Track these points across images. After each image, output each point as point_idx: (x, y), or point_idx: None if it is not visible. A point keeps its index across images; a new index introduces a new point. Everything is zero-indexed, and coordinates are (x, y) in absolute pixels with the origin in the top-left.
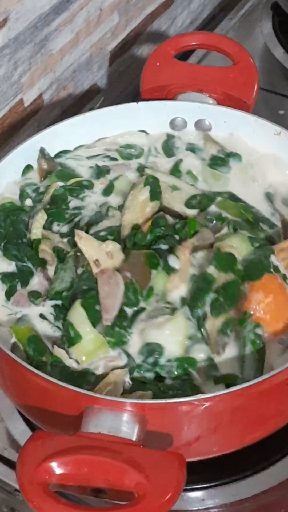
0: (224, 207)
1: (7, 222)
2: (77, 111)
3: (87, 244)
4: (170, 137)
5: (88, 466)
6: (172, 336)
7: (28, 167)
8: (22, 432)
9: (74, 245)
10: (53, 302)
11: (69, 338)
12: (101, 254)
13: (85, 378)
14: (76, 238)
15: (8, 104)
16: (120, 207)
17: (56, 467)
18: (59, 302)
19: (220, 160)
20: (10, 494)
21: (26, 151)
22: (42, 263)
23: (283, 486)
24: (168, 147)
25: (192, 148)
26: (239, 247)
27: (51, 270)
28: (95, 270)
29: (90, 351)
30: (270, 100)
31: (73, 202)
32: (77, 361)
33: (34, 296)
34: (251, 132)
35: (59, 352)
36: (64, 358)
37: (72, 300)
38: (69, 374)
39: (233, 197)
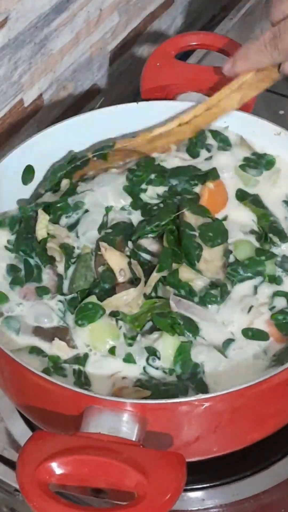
0: (249, 207)
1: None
2: (77, 111)
3: (111, 254)
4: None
5: (88, 466)
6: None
7: (28, 168)
8: (22, 432)
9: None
10: (61, 297)
11: (86, 316)
12: (125, 264)
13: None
14: (102, 250)
15: (8, 104)
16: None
17: (56, 467)
18: (69, 296)
19: (253, 162)
20: (10, 494)
21: (26, 151)
22: (51, 260)
23: (283, 486)
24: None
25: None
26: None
27: (60, 266)
28: (120, 279)
29: (100, 334)
30: (270, 101)
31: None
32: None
33: (43, 292)
34: (251, 133)
35: (59, 344)
36: (64, 351)
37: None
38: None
39: (256, 201)
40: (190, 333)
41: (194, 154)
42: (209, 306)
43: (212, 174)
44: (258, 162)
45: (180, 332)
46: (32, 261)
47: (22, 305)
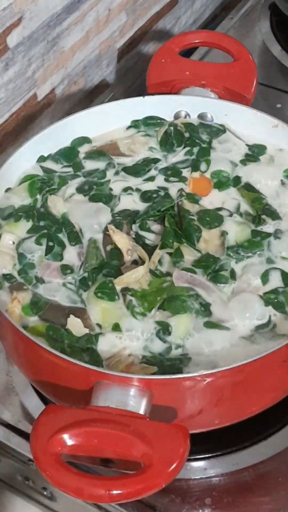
0: (241, 193)
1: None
2: (87, 105)
3: (118, 237)
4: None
5: (98, 438)
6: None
7: (41, 158)
8: (35, 406)
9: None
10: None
11: (105, 292)
12: (132, 245)
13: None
14: (110, 232)
15: (23, 98)
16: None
17: (68, 439)
18: (81, 276)
19: (252, 157)
20: (24, 464)
21: (39, 142)
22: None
23: (280, 456)
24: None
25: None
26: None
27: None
28: (128, 258)
29: (111, 315)
30: (268, 95)
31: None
32: (90, 329)
33: (67, 269)
34: (250, 125)
35: (74, 321)
36: (79, 327)
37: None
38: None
39: (249, 186)
40: (203, 315)
41: (168, 148)
42: (219, 285)
43: (194, 166)
44: (254, 156)
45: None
46: (53, 236)
47: (43, 284)
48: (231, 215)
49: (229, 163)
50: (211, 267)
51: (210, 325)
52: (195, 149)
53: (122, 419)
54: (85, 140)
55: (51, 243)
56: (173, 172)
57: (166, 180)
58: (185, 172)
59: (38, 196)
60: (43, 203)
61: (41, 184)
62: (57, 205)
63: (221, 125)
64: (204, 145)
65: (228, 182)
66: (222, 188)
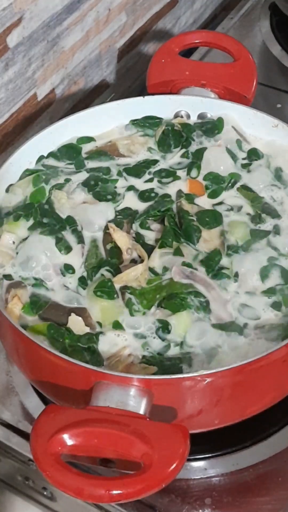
0: (241, 193)
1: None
2: (87, 105)
3: (119, 235)
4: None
5: (98, 438)
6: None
7: (41, 158)
8: (35, 406)
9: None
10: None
11: (104, 291)
12: (131, 244)
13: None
14: (110, 231)
15: (23, 98)
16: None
17: (68, 439)
18: (80, 275)
19: (248, 165)
20: (24, 464)
21: (39, 142)
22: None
23: (280, 456)
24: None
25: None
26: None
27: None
28: (127, 257)
29: (111, 313)
30: (268, 95)
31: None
32: (91, 328)
33: (69, 269)
34: (250, 125)
35: (76, 320)
36: (80, 326)
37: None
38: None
39: (246, 186)
40: (203, 312)
41: (165, 148)
42: (219, 281)
43: (190, 168)
44: (249, 163)
45: (191, 307)
46: (60, 235)
47: (43, 283)
48: (231, 209)
49: (225, 162)
50: (215, 266)
51: (211, 325)
52: (191, 151)
53: (122, 419)
54: (89, 139)
55: (59, 235)
56: (167, 174)
57: (160, 181)
58: (180, 172)
59: (43, 186)
60: (48, 199)
61: (45, 177)
62: (61, 200)
63: (218, 118)
64: (199, 147)
65: (221, 190)
66: (216, 195)
